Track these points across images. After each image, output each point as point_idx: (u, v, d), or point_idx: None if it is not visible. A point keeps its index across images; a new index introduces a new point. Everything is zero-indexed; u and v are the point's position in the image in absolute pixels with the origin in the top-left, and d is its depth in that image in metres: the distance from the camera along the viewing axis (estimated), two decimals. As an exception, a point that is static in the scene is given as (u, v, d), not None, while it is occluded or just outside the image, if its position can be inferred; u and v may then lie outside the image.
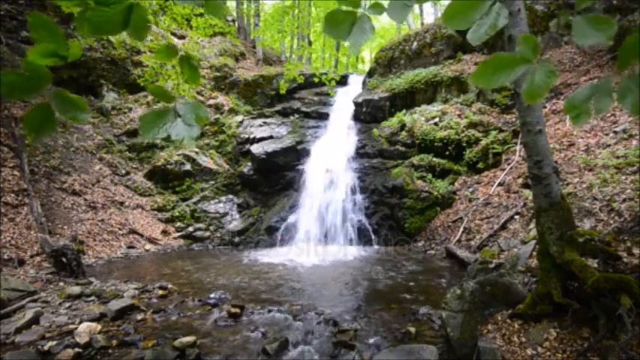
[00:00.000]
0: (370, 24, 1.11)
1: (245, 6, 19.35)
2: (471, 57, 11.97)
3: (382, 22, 31.17)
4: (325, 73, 8.26)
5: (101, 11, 0.95)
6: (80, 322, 3.84)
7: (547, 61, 0.92)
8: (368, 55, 32.80)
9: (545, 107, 8.91)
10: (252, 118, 13.25)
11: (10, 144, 8.39)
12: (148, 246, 8.79)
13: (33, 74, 0.94)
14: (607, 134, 6.87)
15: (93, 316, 4.05)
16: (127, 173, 10.75)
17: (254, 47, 17.59)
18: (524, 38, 0.91)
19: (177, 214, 10.20)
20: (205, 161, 11.42)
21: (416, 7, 24.25)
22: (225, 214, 10.46)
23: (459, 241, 7.38)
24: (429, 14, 23.38)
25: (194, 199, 10.66)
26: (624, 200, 4.84)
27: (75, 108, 1.03)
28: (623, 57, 0.82)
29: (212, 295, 4.85)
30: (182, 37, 13.78)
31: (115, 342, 3.48)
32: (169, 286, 5.30)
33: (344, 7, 1.09)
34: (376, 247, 8.63)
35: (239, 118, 13.13)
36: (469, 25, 0.96)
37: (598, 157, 6.31)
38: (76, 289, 4.87)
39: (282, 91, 9.12)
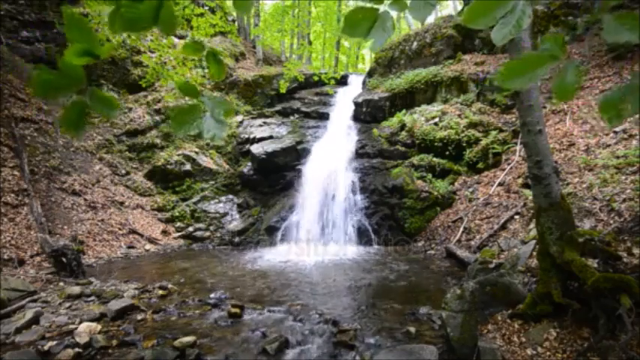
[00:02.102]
0: (392, 21, 1.07)
1: (245, 6, 19.29)
2: (471, 57, 11.98)
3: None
4: (325, 73, 8.27)
5: (134, 7, 0.98)
6: (80, 322, 3.84)
7: (574, 58, 0.91)
8: (368, 55, 32.79)
9: (545, 107, 8.91)
10: (252, 118, 13.25)
11: (10, 144, 8.39)
12: (148, 246, 8.79)
13: (69, 74, 0.97)
14: (607, 134, 6.87)
15: (93, 316, 4.05)
16: (127, 173, 10.75)
17: (254, 47, 17.59)
18: (551, 37, 0.88)
19: (177, 214, 10.20)
20: (205, 161, 11.42)
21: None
22: (225, 214, 10.46)
23: (459, 241, 7.38)
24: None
25: (194, 199, 10.66)
26: (624, 200, 4.84)
27: (108, 105, 1.07)
28: None
29: (212, 295, 4.86)
30: (182, 37, 13.77)
31: (115, 342, 3.48)
32: (169, 286, 5.30)
33: (366, 5, 1.07)
34: (376, 247, 8.63)
35: (239, 118, 13.13)
36: (491, 24, 0.93)
37: (598, 157, 6.31)
38: (76, 289, 4.87)
39: (282, 90, 9.12)
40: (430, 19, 19.65)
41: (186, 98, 1.19)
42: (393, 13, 1.09)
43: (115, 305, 4.24)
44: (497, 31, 0.93)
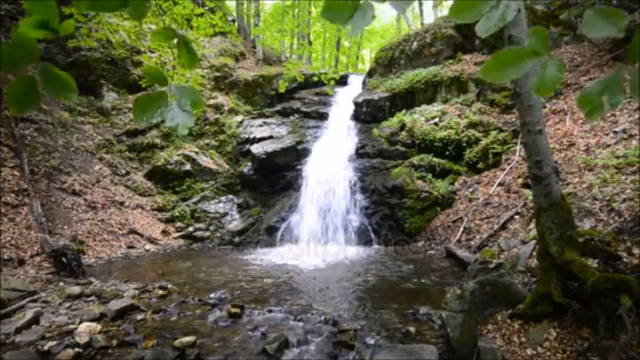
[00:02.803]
0: (372, 11, 1.09)
1: (245, 6, 19.34)
2: (470, 57, 11.98)
3: (382, 21, 31.18)
4: (325, 73, 8.26)
5: None
6: (80, 322, 3.84)
7: (555, 55, 0.93)
8: (368, 55, 32.78)
9: (545, 107, 8.91)
10: (252, 118, 13.25)
11: (10, 144, 8.39)
12: (148, 246, 8.79)
13: (20, 46, 0.90)
14: (607, 134, 6.87)
15: (93, 316, 4.05)
16: (127, 173, 10.75)
17: (254, 47, 17.59)
18: (535, 30, 0.90)
19: (177, 214, 10.20)
20: (205, 161, 11.42)
21: (416, 7, 24.26)
22: (225, 214, 10.46)
23: (459, 241, 7.38)
24: (429, 14, 23.39)
25: (194, 199, 10.66)
26: (624, 200, 4.84)
27: (62, 85, 0.98)
28: (635, 50, 0.82)
29: (212, 295, 4.86)
30: (182, 37, 13.76)
31: (115, 342, 3.48)
32: (169, 286, 5.29)
33: None
34: (376, 247, 8.63)
35: (239, 118, 13.13)
36: (477, 18, 0.96)
37: (598, 157, 6.31)
38: (76, 289, 4.87)
39: (282, 90, 9.12)
40: (430, 19, 19.64)
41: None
42: (376, 5, 1.11)
43: (115, 305, 4.23)
44: (482, 24, 0.96)
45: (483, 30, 0.95)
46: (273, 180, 10.84)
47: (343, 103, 13.00)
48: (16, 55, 0.91)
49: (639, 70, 0.82)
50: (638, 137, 6.23)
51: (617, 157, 5.94)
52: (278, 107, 13.66)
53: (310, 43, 22.19)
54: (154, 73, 1.17)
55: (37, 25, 0.91)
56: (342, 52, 25.82)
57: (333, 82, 8.29)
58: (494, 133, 9.36)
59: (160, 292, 5.05)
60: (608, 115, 7.33)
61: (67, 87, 0.99)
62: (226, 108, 13.26)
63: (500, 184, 8.09)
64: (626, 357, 2.50)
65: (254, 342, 3.49)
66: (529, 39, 0.91)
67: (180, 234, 9.72)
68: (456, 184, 9.26)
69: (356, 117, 12.27)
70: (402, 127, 10.66)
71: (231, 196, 10.98)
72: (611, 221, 4.61)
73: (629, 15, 8.74)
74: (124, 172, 10.71)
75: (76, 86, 1.02)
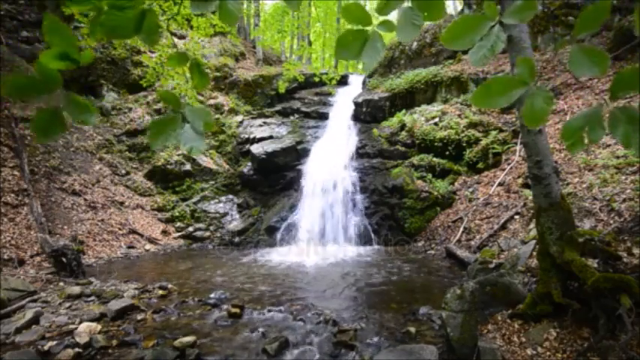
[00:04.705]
0: (382, 42, 1.10)
1: (245, 6, 19.34)
2: (471, 57, 11.97)
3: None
4: (325, 73, 8.27)
5: (115, 15, 0.97)
6: (80, 322, 3.84)
7: (543, 86, 0.95)
8: (368, 55, 32.74)
9: (545, 107, 8.90)
10: (252, 118, 13.25)
11: (10, 144, 8.39)
12: (148, 246, 8.79)
13: (44, 77, 0.95)
14: (607, 134, 6.87)
15: (93, 316, 4.05)
16: (127, 173, 10.75)
17: (254, 47, 17.59)
18: (522, 61, 0.93)
19: (177, 214, 10.20)
20: (205, 161, 11.42)
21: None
22: (225, 214, 10.45)
23: (459, 241, 7.38)
24: (429, 14, 23.38)
25: (194, 199, 10.66)
26: (624, 200, 4.84)
27: (84, 111, 1.05)
28: (616, 88, 0.83)
29: (212, 295, 4.86)
30: (182, 37, 13.77)
31: (115, 342, 3.48)
32: (169, 286, 5.30)
33: (355, 27, 1.09)
34: (376, 247, 8.63)
35: (239, 118, 13.13)
36: (468, 46, 0.98)
37: (598, 157, 6.31)
38: (76, 289, 4.87)
39: (282, 91, 9.13)
40: (430, 19, 19.66)
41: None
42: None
43: (115, 305, 4.23)
44: (473, 54, 0.98)
45: (476, 60, 0.98)
46: (273, 180, 10.84)
47: (343, 103, 12.99)
48: (40, 85, 0.96)
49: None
50: (638, 137, 6.22)
51: (617, 157, 5.94)
52: (278, 107, 13.65)
53: (310, 43, 22.19)
54: (169, 97, 1.20)
55: (58, 57, 0.97)
56: (342, 52, 25.80)
57: (333, 82, 8.31)
58: (494, 133, 9.36)
59: (160, 292, 5.05)
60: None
61: (88, 111, 1.07)
62: (226, 108, 13.26)
63: (500, 184, 8.09)
64: (626, 357, 2.50)
65: (254, 342, 3.49)
66: (516, 69, 0.93)
67: (180, 234, 9.72)
68: (456, 184, 9.25)
69: (356, 117, 12.26)
70: (402, 127, 10.66)
71: (231, 196, 10.98)
72: (611, 221, 4.61)
73: (630, 15, 8.74)
74: (124, 172, 10.70)
75: (96, 110, 1.09)
